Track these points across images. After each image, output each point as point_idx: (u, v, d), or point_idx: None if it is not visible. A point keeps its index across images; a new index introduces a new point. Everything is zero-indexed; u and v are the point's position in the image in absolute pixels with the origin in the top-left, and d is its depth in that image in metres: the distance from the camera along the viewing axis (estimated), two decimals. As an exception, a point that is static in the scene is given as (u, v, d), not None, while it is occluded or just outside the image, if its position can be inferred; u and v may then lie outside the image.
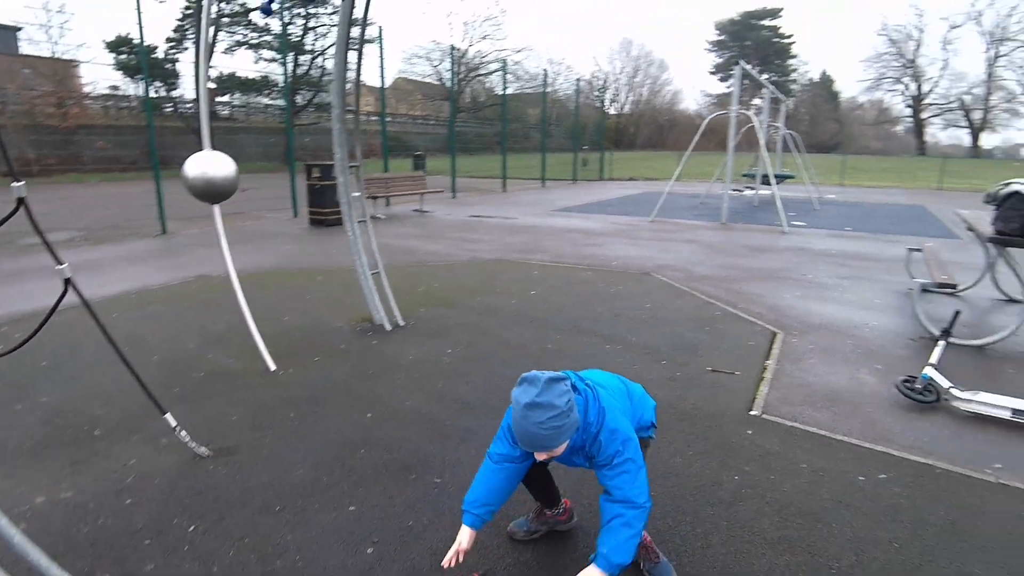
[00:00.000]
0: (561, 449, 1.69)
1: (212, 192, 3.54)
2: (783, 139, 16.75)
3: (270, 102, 31.76)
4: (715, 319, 4.84)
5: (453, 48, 18.39)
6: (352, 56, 4.28)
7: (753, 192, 15.24)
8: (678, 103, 60.48)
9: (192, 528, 2.22)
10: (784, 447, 2.80)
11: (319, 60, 33.61)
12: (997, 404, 3.04)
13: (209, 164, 3.49)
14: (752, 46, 57.14)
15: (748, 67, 11.21)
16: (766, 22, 58.48)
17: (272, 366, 3.74)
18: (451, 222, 10.70)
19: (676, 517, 2.27)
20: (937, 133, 55.27)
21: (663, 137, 55.45)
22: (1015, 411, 3.01)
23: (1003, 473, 2.60)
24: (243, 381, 3.55)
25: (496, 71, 41.54)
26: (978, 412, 3.08)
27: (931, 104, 52.13)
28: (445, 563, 1.79)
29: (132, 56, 25.18)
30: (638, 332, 4.48)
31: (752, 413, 3.15)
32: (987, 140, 52.81)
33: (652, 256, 7.53)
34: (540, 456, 1.72)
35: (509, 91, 26.02)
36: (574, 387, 1.73)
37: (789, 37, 59.13)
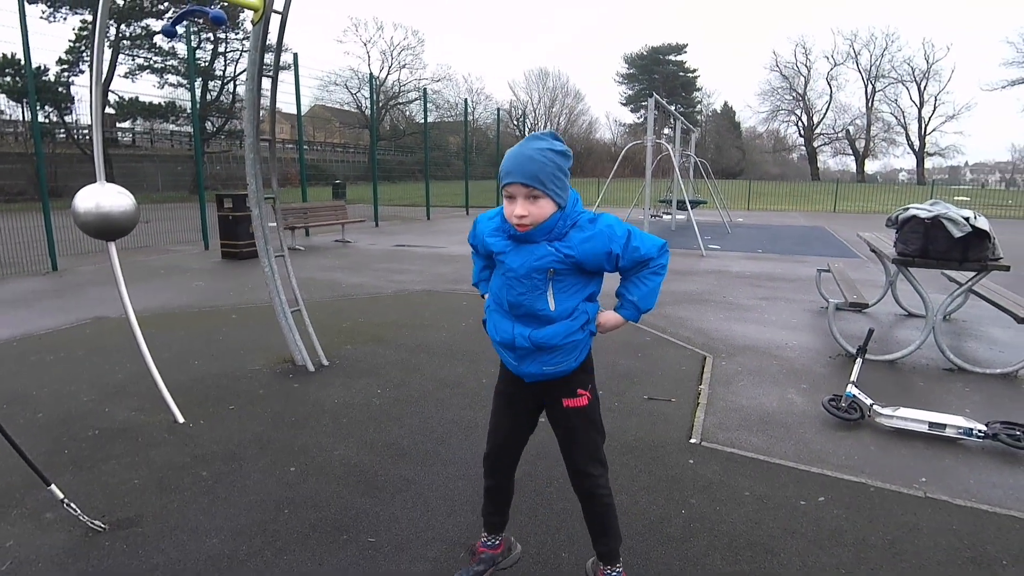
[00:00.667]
0: (547, 209, 1.61)
1: (108, 228, 3.20)
2: (694, 166, 17.66)
3: (176, 128, 30.21)
4: (646, 345, 4.88)
5: (373, 77, 18.13)
6: (266, 83, 4.06)
7: (670, 217, 15.89)
8: (594, 132, 62.69)
9: (82, 623, 1.89)
10: (726, 475, 2.79)
11: (230, 86, 32.45)
12: (915, 419, 3.19)
13: (103, 197, 3.17)
14: (660, 79, 60.38)
15: (661, 100, 11.74)
16: (672, 57, 62.14)
17: (180, 418, 3.39)
18: (375, 252, 10.40)
19: (627, 559, 2.17)
20: (827, 160, 60.29)
21: (581, 165, 57.16)
22: (931, 424, 3.16)
23: (929, 487, 2.70)
24: (146, 438, 3.18)
25: (416, 99, 41.57)
26: (899, 427, 3.22)
27: (821, 134, 56.91)
28: None
29: (18, 79, 23.22)
30: (573, 361, 4.42)
31: (692, 441, 3.14)
32: (870, 166, 58.14)
33: (580, 282, 7.58)
34: (519, 206, 1.59)
35: (429, 119, 25.97)
36: None
37: (694, 71, 63.08)
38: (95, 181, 3.24)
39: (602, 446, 1.86)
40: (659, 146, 12.03)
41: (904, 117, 51.86)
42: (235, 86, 32.81)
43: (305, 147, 13.01)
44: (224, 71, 32.02)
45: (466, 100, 20.72)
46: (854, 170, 56.25)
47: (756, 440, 3.17)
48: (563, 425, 1.83)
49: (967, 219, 3.92)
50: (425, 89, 18.00)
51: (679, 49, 62.04)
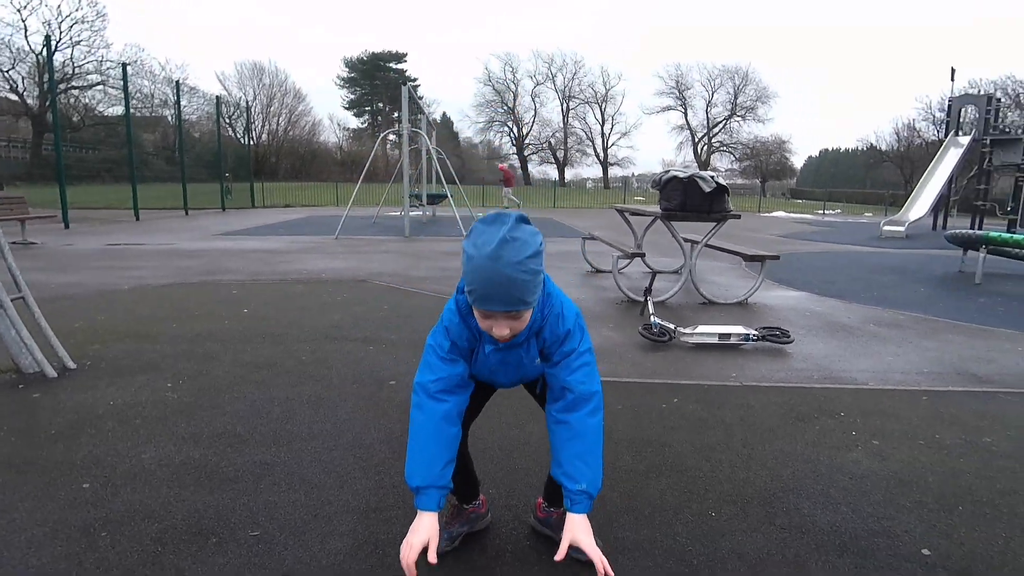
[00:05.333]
0: (527, 317, 1.33)
1: None
2: (435, 164, 18.21)
3: None
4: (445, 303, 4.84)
5: (47, 46, 14.06)
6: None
7: (422, 211, 16.16)
8: (318, 135, 59.99)
9: None
10: (594, 397, 2.92)
11: None
12: (710, 332, 3.80)
13: None
14: (382, 85, 60.85)
15: (412, 90, 11.81)
16: (393, 64, 63.18)
17: None
18: (83, 252, 8.27)
19: (537, 479, 2.11)
20: (534, 169, 68.11)
21: (306, 168, 54.38)
22: (720, 335, 3.80)
23: (740, 379, 3.23)
24: None
25: (98, 84, 34.47)
26: (698, 342, 3.79)
27: (530, 144, 64.06)
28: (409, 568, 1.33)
29: None
30: (394, 330, 4.16)
31: (549, 377, 3.22)
32: (568, 174, 67.49)
33: (358, 266, 7.19)
34: (501, 328, 1.30)
35: (118, 111, 21.58)
36: None
37: (415, 80, 65.10)
38: None
39: None
40: (412, 137, 12.08)
41: (591, 132, 61.64)
42: None
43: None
44: None
45: (178, 82, 17.50)
46: (556, 177, 64.68)
47: (600, 367, 3.39)
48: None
49: (712, 177, 4.81)
50: (125, 65, 14.87)
51: (399, 57, 63.42)
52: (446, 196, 17.70)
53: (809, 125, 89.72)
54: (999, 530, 1.87)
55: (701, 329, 3.82)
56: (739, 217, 5.18)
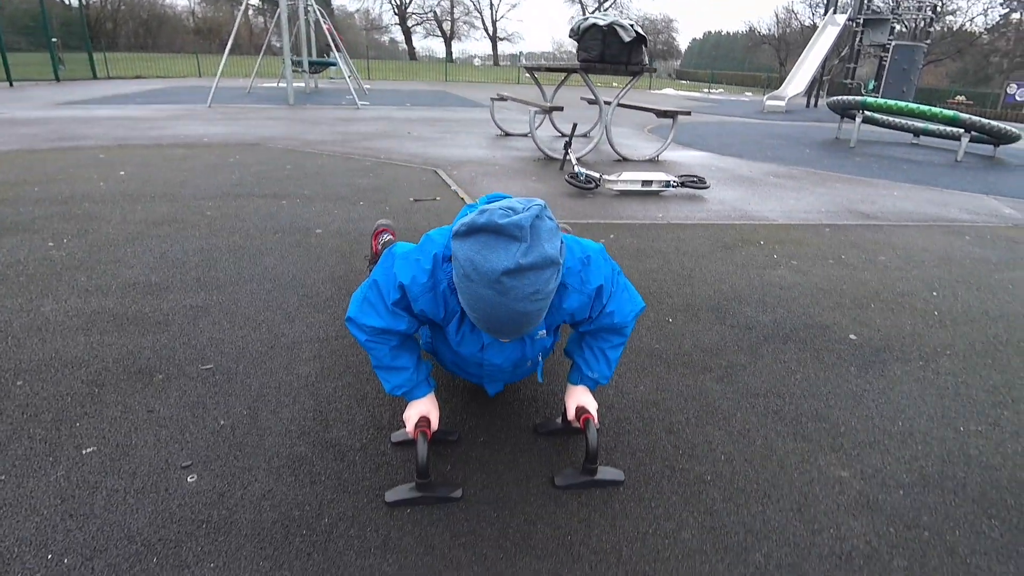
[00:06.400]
0: None
1: None
2: (315, 15, 16.28)
3: None
4: (371, 167, 4.55)
5: None
6: None
7: (304, 82, 14.65)
8: (162, -2, 50.97)
9: None
10: (534, 237, 2.91)
11: None
12: (634, 179, 3.86)
13: None
14: (235, -64, 52.14)
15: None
16: (246, -92, 53.91)
17: None
18: None
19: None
20: (418, 43, 63.25)
21: (152, 36, 46.90)
22: (643, 182, 3.87)
23: (667, 218, 3.35)
24: None
25: None
26: (623, 189, 3.85)
27: (413, 14, 58.91)
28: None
29: None
30: (305, 187, 3.84)
31: (485, 222, 3.15)
32: (456, 48, 63.50)
33: (245, 132, 6.46)
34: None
35: None
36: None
37: (274, -70, 56.28)
38: None
39: None
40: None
41: (479, 3, 57.70)
42: None
43: None
44: None
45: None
46: (442, 54, 60.76)
47: (534, 213, 3.37)
48: None
49: (631, 26, 4.66)
50: None
51: (253, -100, 54.06)
52: (334, 64, 16.11)
53: (694, 6, 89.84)
54: (904, 319, 2.14)
55: (626, 176, 3.86)
56: (655, 71, 5.14)
